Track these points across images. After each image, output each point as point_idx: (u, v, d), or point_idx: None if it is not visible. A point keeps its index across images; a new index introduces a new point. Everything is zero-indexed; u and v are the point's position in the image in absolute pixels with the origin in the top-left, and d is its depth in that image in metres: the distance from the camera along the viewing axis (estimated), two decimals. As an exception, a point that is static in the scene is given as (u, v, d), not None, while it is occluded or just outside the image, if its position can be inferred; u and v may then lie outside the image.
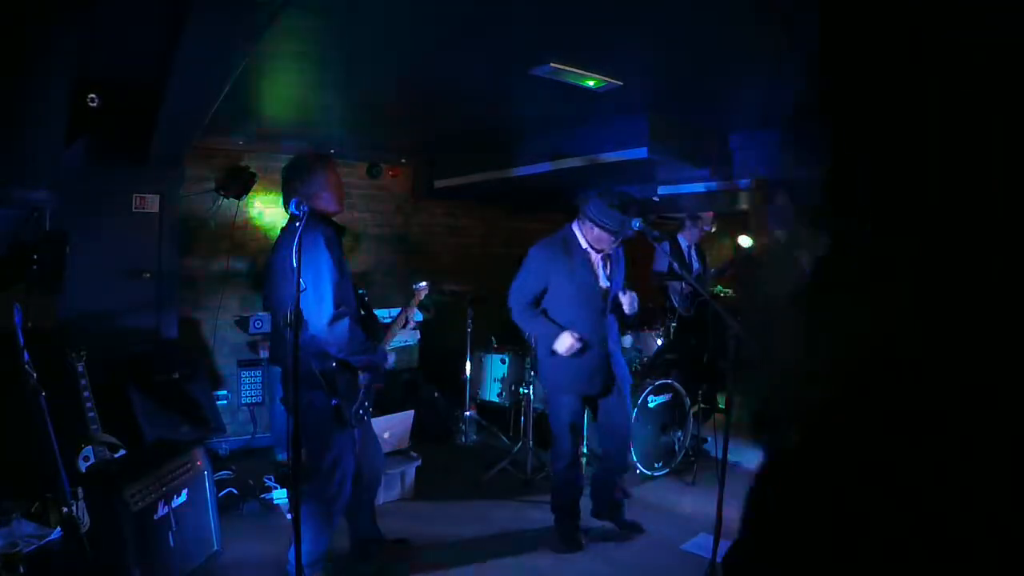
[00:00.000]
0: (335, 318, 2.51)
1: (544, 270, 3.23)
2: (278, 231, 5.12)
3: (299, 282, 2.25)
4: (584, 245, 3.23)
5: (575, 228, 3.28)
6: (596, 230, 3.14)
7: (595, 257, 3.24)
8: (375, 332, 2.84)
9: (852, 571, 0.66)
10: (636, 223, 3.07)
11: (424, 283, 3.21)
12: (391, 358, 2.88)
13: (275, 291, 2.66)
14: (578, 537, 3.34)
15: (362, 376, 2.70)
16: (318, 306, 2.51)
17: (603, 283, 3.25)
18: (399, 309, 3.18)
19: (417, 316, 3.14)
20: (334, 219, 2.77)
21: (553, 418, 3.36)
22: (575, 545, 3.31)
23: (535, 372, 4.62)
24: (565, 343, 3.11)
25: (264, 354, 4.52)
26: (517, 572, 3.16)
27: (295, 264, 2.24)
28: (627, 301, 3.27)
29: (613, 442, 3.44)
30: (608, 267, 3.29)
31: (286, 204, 2.58)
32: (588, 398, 3.36)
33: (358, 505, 2.97)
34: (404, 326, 3.07)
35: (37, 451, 2.47)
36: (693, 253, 5.33)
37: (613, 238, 3.14)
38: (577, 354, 3.15)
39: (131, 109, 3.54)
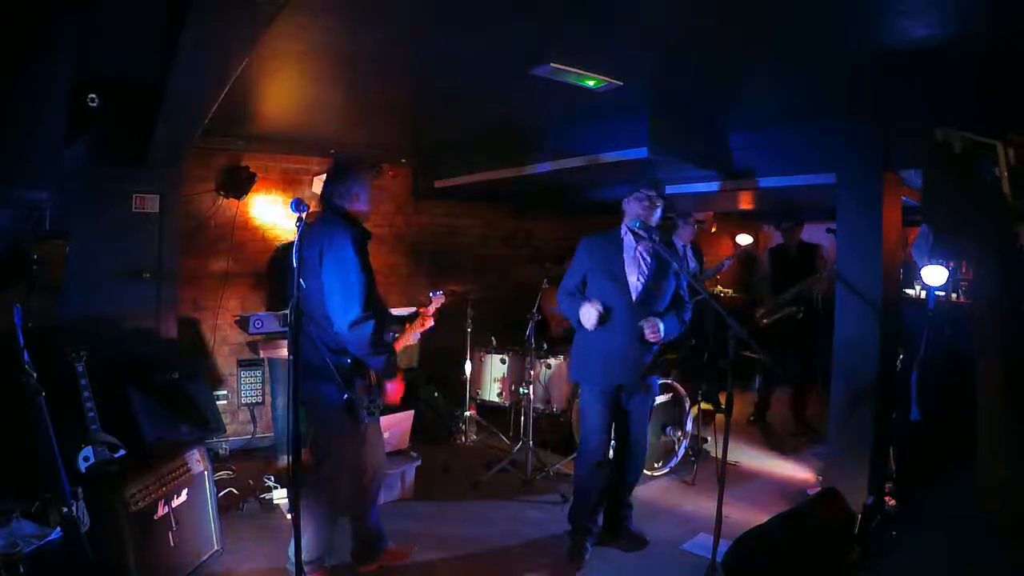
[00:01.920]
0: (361, 320, 2.51)
1: (583, 258, 3.26)
2: (278, 231, 5.13)
3: (298, 281, 2.26)
4: (623, 232, 3.23)
5: (623, 227, 3.27)
6: (635, 206, 3.15)
7: (636, 250, 3.20)
8: (389, 329, 2.88)
9: None
10: (636, 223, 3.07)
11: (440, 292, 3.33)
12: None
13: (303, 287, 2.71)
14: (584, 553, 3.24)
15: (376, 375, 2.72)
16: (344, 306, 2.51)
17: (638, 276, 3.18)
18: (410, 311, 3.21)
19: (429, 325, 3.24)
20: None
21: (581, 415, 3.31)
22: (578, 560, 3.22)
23: (531, 376, 4.62)
24: (587, 314, 3.10)
25: (263, 354, 4.52)
26: (517, 572, 3.16)
27: (295, 264, 2.26)
28: (648, 329, 3.09)
29: (633, 453, 3.38)
30: (653, 265, 3.20)
31: (324, 200, 2.68)
32: (616, 401, 3.23)
33: (362, 504, 2.97)
34: (422, 329, 3.13)
35: (37, 451, 2.47)
36: (689, 252, 5.33)
37: (654, 211, 3.14)
38: (603, 342, 3.13)
39: (131, 109, 3.54)
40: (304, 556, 2.76)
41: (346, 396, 2.54)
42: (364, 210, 2.80)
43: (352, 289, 2.51)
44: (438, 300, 3.28)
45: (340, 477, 2.78)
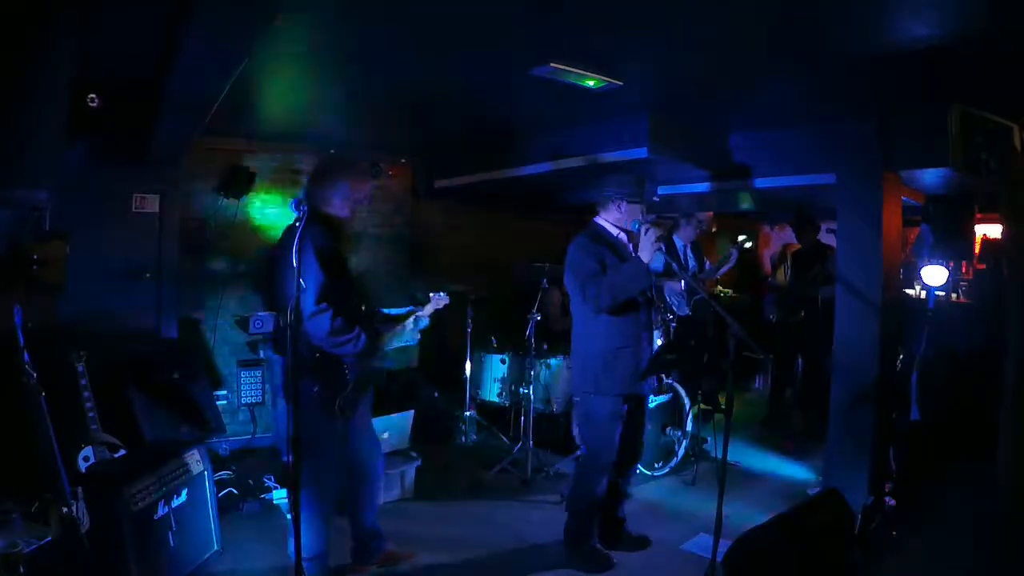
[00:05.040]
0: (316, 312, 2.63)
1: (598, 255, 3.01)
2: (278, 231, 5.13)
3: (299, 281, 2.32)
4: (616, 232, 3.13)
5: (599, 221, 3.18)
6: (624, 205, 3.06)
7: (629, 244, 3.15)
8: (375, 329, 2.87)
9: None
10: (634, 224, 3.06)
11: (443, 294, 3.17)
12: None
13: (278, 285, 2.77)
14: (602, 554, 3.16)
15: (349, 370, 2.75)
16: (302, 301, 2.61)
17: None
18: (407, 308, 3.19)
19: (423, 323, 3.09)
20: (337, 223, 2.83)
21: (591, 427, 3.13)
22: (606, 564, 3.13)
23: (531, 376, 4.61)
24: (649, 243, 2.83)
25: (264, 354, 4.53)
26: (518, 571, 3.16)
27: (295, 264, 2.31)
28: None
29: (639, 450, 3.34)
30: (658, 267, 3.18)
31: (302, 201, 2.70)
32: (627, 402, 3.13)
33: (357, 502, 2.97)
34: (414, 327, 3.06)
35: (37, 451, 2.47)
36: (689, 252, 5.34)
37: (640, 208, 3.06)
38: (631, 346, 3.05)
39: (131, 109, 3.54)
40: (303, 552, 2.77)
41: (315, 388, 2.66)
42: (339, 215, 2.82)
43: (309, 286, 2.63)
44: (440, 302, 3.16)
45: (321, 474, 2.78)
